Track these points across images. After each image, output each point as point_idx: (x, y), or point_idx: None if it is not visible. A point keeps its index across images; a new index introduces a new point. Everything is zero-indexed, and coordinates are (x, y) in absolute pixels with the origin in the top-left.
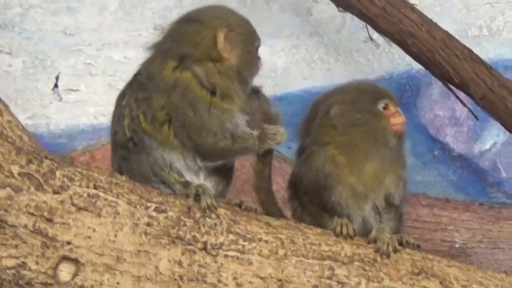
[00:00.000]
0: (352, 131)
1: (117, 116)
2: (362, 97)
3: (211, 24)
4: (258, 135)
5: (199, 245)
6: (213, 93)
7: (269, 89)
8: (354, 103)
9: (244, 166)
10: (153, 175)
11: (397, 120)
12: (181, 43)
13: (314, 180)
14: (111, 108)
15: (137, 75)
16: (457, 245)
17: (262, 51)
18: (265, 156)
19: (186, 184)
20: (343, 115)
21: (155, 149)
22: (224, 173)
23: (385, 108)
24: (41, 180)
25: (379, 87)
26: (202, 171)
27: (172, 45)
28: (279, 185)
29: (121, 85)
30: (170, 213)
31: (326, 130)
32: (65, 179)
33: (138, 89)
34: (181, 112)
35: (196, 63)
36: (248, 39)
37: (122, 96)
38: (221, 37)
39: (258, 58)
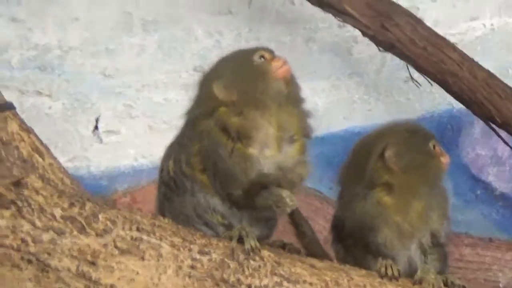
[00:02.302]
0: (409, 172)
1: (165, 154)
2: (415, 138)
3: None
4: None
5: (244, 287)
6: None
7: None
8: (409, 144)
9: None
10: (196, 217)
11: (445, 159)
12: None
13: (358, 223)
14: (151, 149)
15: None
16: (501, 285)
17: (304, 92)
18: (292, 215)
19: (229, 226)
20: (399, 156)
21: (197, 192)
22: (268, 219)
23: (434, 147)
24: (84, 223)
25: (425, 128)
26: (244, 216)
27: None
28: (321, 226)
29: (161, 127)
30: (214, 255)
31: (379, 173)
32: (108, 222)
33: (181, 131)
34: (210, 161)
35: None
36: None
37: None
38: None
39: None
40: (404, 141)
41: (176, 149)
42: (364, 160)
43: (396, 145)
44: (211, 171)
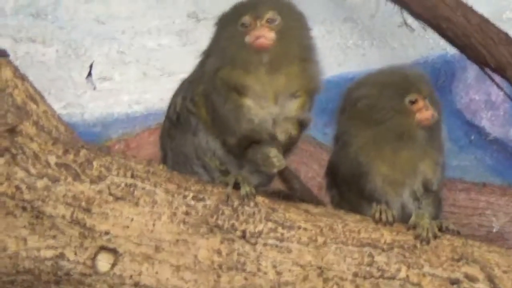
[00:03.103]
0: (377, 127)
1: (176, 91)
2: (388, 92)
3: None
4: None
5: (238, 233)
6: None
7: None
8: (379, 98)
9: None
10: (195, 158)
11: (424, 115)
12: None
13: (349, 168)
14: (145, 96)
15: None
16: (494, 230)
17: None
18: (281, 172)
19: (226, 173)
20: (368, 110)
21: (201, 131)
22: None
23: (413, 102)
24: (78, 170)
25: (409, 79)
26: (243, 165)
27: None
28: (315, 172)
29: (154, 73)
30: (208, 202)
31: (354, 122)
32: (102, 169)
33: (194, 70)
34: (210, 103)
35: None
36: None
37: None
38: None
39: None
40: (377, 94)
41: (186, 87)
42: (344, 107)
43: (368, 97)
44: (211, 114)
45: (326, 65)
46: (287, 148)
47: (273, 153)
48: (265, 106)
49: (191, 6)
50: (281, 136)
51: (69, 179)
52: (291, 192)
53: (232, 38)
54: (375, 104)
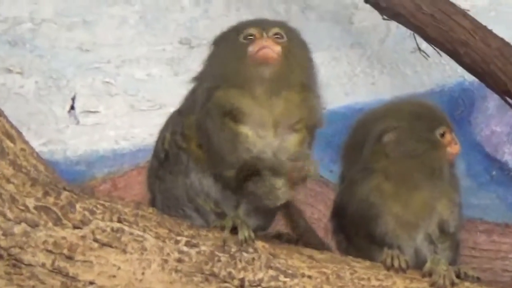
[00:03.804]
0: (407, 162)
1: (164, 125)
2: (420, 124)
3: None
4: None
5: (236, 282)
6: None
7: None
8: (411, 130)
9: None
10: (187, 200)
11: (454, 149)
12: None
13: (358, 210)
14: (133, 131)
15: None
16: None
17: None
18: (285, 206)
19: (222, 216)
20: (398, 143)
21: (192, 171)
22: (266, 210)
23: (442, 135)
24: (60, 214)
25: (435, 111)
26: (240, 205)
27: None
28: (321, 213)
29: (143, 106)
30: (203, 248)
31: (376, 157)
32: (86, 212)
33: (184, 99)
34: (203, 134)
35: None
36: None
37: None
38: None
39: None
40: (407, 125)
41: (175, 119)
42: (363, 141)
43: (396, 130)
44: (205, 146)
45: (332, 94)
46: (294, 181)
47: (279, 184)
48: (264, 135)
49: (184, 31)
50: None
51: (50, 224)
52: (294, 232)
53: (232, 52)
54: (406, 137)
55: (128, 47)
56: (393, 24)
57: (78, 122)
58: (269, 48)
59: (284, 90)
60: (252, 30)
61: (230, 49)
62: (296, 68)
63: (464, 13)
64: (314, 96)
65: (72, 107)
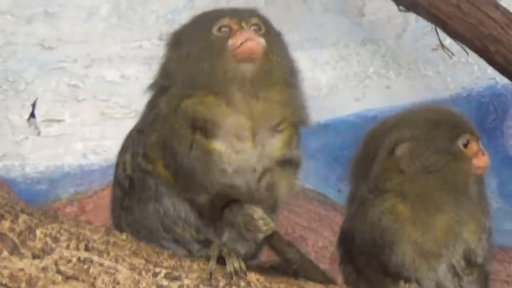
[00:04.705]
0: (425, 178)
1: (122, 146)
2: (438, 133)
3: None
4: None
5: None
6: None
7: (310, 114)
8: (428, 141)
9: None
10: (163, 231)
11: (481, 161)
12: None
13: (369, 236)
14: (104, 143)
15: None
16: None
17: (301, 64)
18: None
19: (206, 243)
20: (413, 156)
21: (164, 195)
22: None
23: (465, 145)
24: (17, 242)
25: (457, 117)
26: (225, 230)
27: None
28: (327, 240)
29: (117, 113)
30: (186, 281)
31: (388, 174)
32: (48, 239)
33: (142, 114)
34: (169, 154)
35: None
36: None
37: None
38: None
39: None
40: (423, 135)
41: (134, 139)
42: (373, 155)
43: (411, 141)
44: (172, 168)
45: (340, 100)
46: (276, 204)
47: (258, 214)
48: (241, 149)
49: (164, 25)
50: (265, 190)
51: (5, 253)
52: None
53: (205, 48)
54: (423, 149)
55: (98, 44)
56: (412, 17)
57: (39, 133)
58: (254, 41)
59: (265, 90)
60: (228, 21)
61: (201, 46)
62: (278, 64)
63: (495, 3)
64: (298, 92)
65: (32, 115)
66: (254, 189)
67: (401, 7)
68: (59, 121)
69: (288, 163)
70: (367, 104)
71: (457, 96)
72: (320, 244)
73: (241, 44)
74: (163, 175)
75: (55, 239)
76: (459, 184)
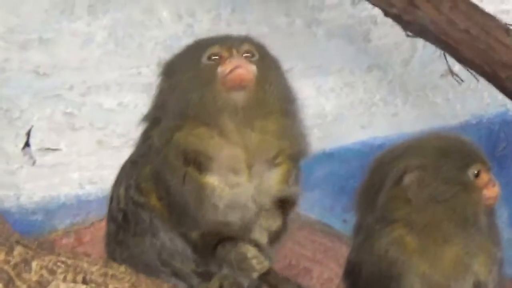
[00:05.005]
0: (433, 208)
1: (117, 178)
2: (448, 162)
3: None
4: None
5: None
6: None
7: (315, 142)
8: (437, 170)
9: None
10: (161, 265)
11: (492, 192)
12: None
13: (376, 268)
14: (101, 173)
15: None
16: None
17: (305, 91)
18: (266, 277)
19: (207, 275)
20: (422, 186)
21: (160, 229)
22: None
23: (476, 175)
24: (12, 274)
25: (467, 146)
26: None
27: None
28: (332, 272)
29: (114, 142)
30: None
31: (396, 204)
32: (44, 272)
33: (136, 146)
34: (162, 188)
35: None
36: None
37: None
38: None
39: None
40: (431, 164)
41: (128, 172)
42: (380, 184)
43: (420, 170)
44: (165, 201)
45: (345, 128)
46: (272, 240)
47: (251, 252)
48: (236, 183)
49: (162, 51)
50: (261, 231)
51: (0, 286)
52: None
53: (195, 77)
54: (432, 178)
55: (95, 71)
56: (419, 42)
57: (34, 162)
58: (243, 68)
59: (259, 120)
60: (217, 49)
61: (191, 75)
62: (273, 91)
63: (506, 28)
64: (295, 121)
65: (27, 144)
66: (249, 228)
67: (408, 33)
68: (54, 150)
69: (286, 203)
70: (373, 132)
71: (467, 123)
72: (325, 276)
73: (230, 71)
74: (157, 207)
75: (52, 272)
76: (468, 215)
